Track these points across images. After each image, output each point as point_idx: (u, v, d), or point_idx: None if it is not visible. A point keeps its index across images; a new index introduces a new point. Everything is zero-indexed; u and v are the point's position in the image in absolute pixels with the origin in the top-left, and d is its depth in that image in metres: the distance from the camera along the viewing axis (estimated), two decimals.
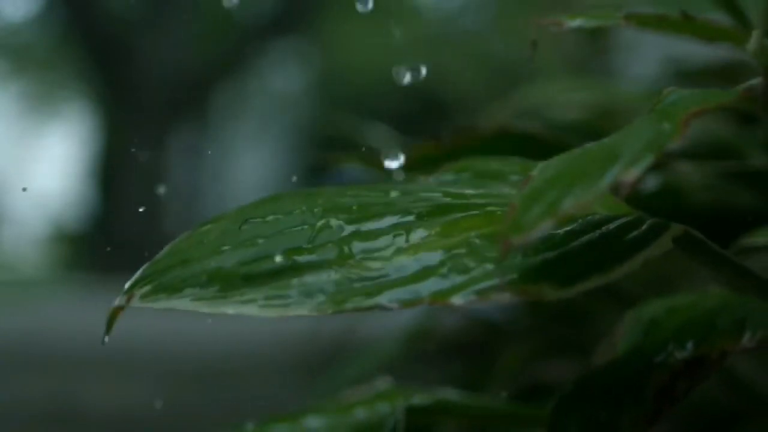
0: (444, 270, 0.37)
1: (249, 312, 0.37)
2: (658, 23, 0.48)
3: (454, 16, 7.85)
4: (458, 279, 0.36)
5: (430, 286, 0.36)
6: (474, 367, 0.88)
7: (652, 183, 0.61)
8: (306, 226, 0.40)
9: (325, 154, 0.72)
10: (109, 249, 6.74)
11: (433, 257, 0.38)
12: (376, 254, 0.38)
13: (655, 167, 0.54)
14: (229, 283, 0.38)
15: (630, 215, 0.41)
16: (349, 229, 0.40)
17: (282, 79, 8.52)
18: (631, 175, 0.34)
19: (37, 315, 3.44)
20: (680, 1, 0.49)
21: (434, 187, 0.46)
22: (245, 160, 8.70)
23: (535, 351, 0.81)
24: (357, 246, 0.39)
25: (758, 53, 0.45)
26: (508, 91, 0.84)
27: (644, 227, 0.40)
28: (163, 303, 0.38)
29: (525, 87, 0.83)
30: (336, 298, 0.36)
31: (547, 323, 0.82)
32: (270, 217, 0.41)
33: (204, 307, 0.37)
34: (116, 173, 7.05)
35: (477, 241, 0.38)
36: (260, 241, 0.39)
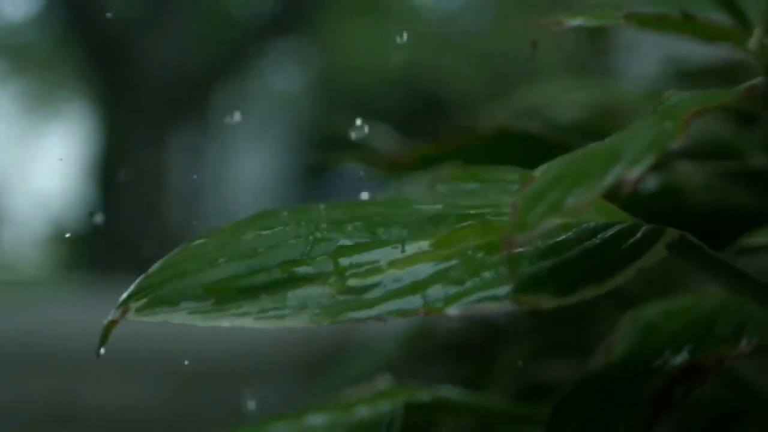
0: (439, 280, 0.37)
1: (245, 324, 0.37)
2: (658, 23, 0.48)
3: (454, 16, 7.85)
4: (453, 289, 0.37)
5: (425, 296, 0.37)
6: (474, 367, 0.88)
7: (652, 183, 0.61)
8: (301, 240, 0.40)
9: (325, 154, 0.72)
10: (107, 249, 6.75)
11: (429, 268, 0.38)
12: (371, 266, 0.38)
13: (656, 167, 0.54)
14: (225, 295, 0.38)
15: (626, 222, 0.41)
16: (345, 242, 0.40)
17: (282, 79, 8.52)
18: (634, 173, 0.34)
19: (37, 315, 3.44)
20: (680, 1, 0.49)
21: (429, 198, 0.46)
22: (245, 160, 8.70)
23: (535, 351, 0.81)
24: (352, 258, 0.39)
25: (759, 52, 0.45)
26: (508, 91, 0.84)
27: (640, 234, 0.40)
28: (160, 316, 0.38)
29: (525, 87, 0.83)
30: (331, 310, 0.36)
31: (547, 324, 0.82)
32: (265, 231, 0.41)
33: (200, 321, 0.37)
34: (116, 173, 7.05)
35: (472, 251, 0.39)
36: (255, 253, 0.40)
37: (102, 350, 0.38)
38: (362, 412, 0.51)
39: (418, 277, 0.37)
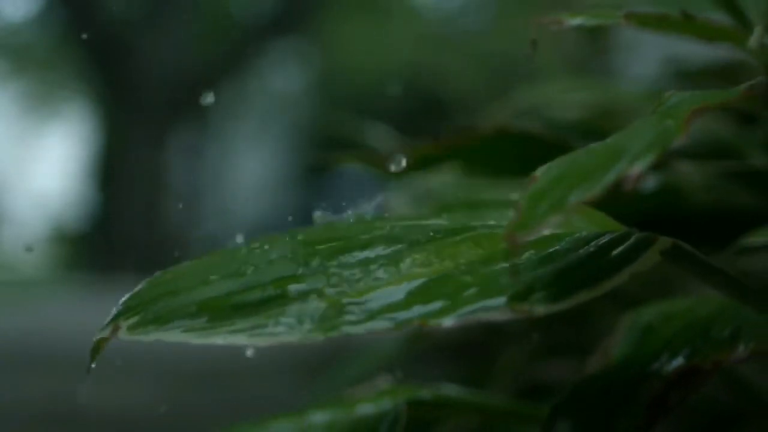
0: (433, 293, 0.37)
1: (238, 342, 0.36)
2: (658, 23, 0.48)
3: (454, 16, 7.85)
4: (448, 301, 0.37)
5: (419, 309, 0.37)
6: (474, 367, 0.88)
7: (652, 183, 0.61)
8: (294, 257, 0.40)
9: (325, 154, 0.72)
10: (107, 250, 6.75)
11: (423, 282, 0.38)
12: (365, 282, 0.38)
13: (656, 167, 0.54)
14: (218, 313, 0.38)
15: (618, 231, 0.41)
16: (338, 259, 0.40)
17: (282, 79, 8.52)
18: (636, 170, 0.34)
19: (37, 315, 3.44)
20: (680, 1, 0.49)
21: (422, 216, 0.47)
22: (245, 160, 8.70)
23: (535, 351, 0.81)
24: (346, 275, 0.39)
25: (759, 52, 0.45)
26: (508, 91, 0.84)
27: (632, 241, 0.40)
28: (152, 334, 0.37)
29: (525, 87, 0.83)
30: (325, 325, 0.36)
31: (547, 324, 0.82)
32: (258, 249, 0.41)
33: (194, 338, 0.37)
34: (116, 173, 7.05)
35: (466, 264, 0.39)
36: (249, 271, 0.40)
37: (93, 365, 0.38)
38: (364, 409, 0.52)
39: (412, 290, 0.38)
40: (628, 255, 0.39)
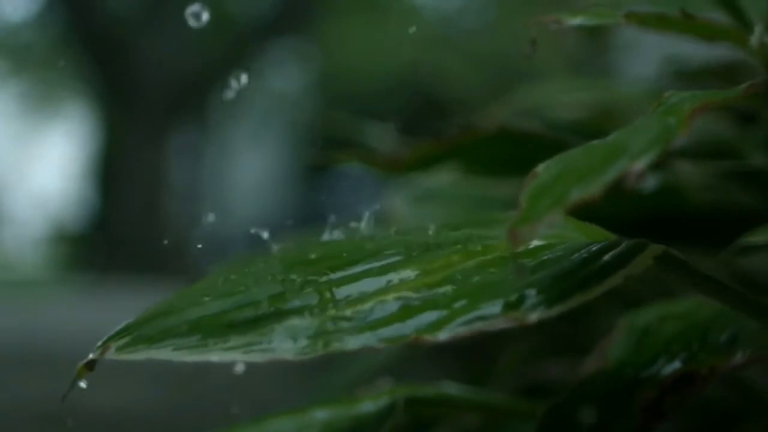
0: (428, 306, 0.37)
1: (232, 358, 0.36)
2: (658, 22, 0.48)
3: (454, 16, 7.85)
4: (443, 313, 0.37)
5: (414, 323, 0.37)
6: (474, 366, 0.88)
7: (652, 183, 0.61)
8: (286, 276, 0.40)
9: (325, 154, 0.72)
10: (109, 249, 6.75)
11: (416, 295, 0.38)
12: (358, 297, 0.38)
13: (656, 167, 0.54)
14: (211, 331, 0.37)
15: (610, 239, 0.41)
16: (331, 275, 0.40)
17: (282, 79, 8.52)
18: (638, 166, 0.34)
19: (37, 315, 3.44)
20: (680, 1, 0.49)
21: (414, 231, 0.47)
22: (245, 160, 8.70)
23: (536, 350, 0.81)
24: (339, 291, 0.39)
25: (760, 51, 0.45)
26: (508, 91, 0.84)
27: (623, 248, 0.39)
28: (142, 353, 0.37)
29: (525, 87, 0.83)
30: (319, 341, 0.36)
31: (548, 322, 0.82)
32: (249, 269, 0.41)
33: (186, 356, 0.37)
34: (116, 173, 7.05)
35: (459, 276, 0.39)
36: (241, 290, 0.40)
37: (83, 384, 0.38)
38: (363, 407, 0.52)
39: (406, 303, 0.37)
40: (619, 260, 0.39)
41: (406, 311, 0.37)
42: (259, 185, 8.61)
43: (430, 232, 0.44)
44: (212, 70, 7.11)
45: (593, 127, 0.71)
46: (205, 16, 0.57)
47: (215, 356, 0.36)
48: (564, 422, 0.43)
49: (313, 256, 0.42)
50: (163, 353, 0.37)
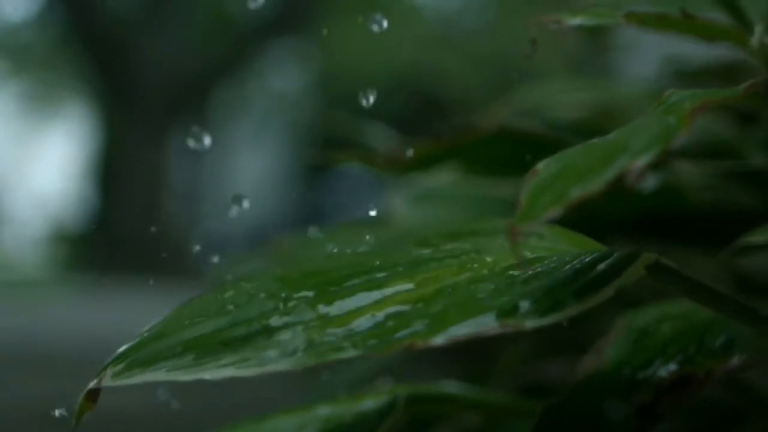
0: (421, 315, 0.37)
1: (226, 374, 0.36)
2: (659, 22, 0.48)
3: (454, 16, 7.85)
4: (434, 321, 0.37)
5: (408, 331, 0.37)
6: (474, 366, 0.88)
7: (652, 182, 0.61)
8: (277, 293, 0.40)
9: (325, 154, 0.72)
10: (113, 250, 6.74)
11: (409, 307, 0.38)
12: (351, 310, 0.38)
13: (656, 166, 0.54)
14: (205, 350, 0.38)
15: (601, 251, 0.41)
16: (323, 290, 0.40)
17: (282, 79, 8.52)
18: (639, 164, 0.34)
19: (37, 315, 3.44)
20: (680, 1, 0.49)
21: (407, 244, 0.47)
22: (245, 160, 8.70)
23: (536, 350, 0.81)
24: (332, 306, 0.39)
25: (760, 50, 0.45)
26: (508, 91, 0.84)
27: (615, 258, 0.39)
28: (137, 377, 0.38)
29: (525, 87, 0.83)
30: (313, 352, 0.36)
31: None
32: (240, 288, 0.42)
33: (180, 376, 0.37)
34: (116, 173, 7.05)
35: (452, 287, 0.39)
36: (233, 309, 0.40)
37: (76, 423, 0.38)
38: (363, 405, 0.52)
39: (400, 314, 0.38)
40: (612, 270, 0.39)
41: (401, 321, 0.37)
42: (259, 185, 8.61)
43: (424, 247, 0.44)
44: (212, 70, 7.11)
45: (593, 127, 0.71)
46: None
47: (209, 374, 0.37)
48: (560, 422, 0.43)
49: (306, 271, 0.42)
50: (158, 375, 0.37)
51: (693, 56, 0.75)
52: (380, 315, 0.38)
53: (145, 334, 0.40)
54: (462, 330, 0.36)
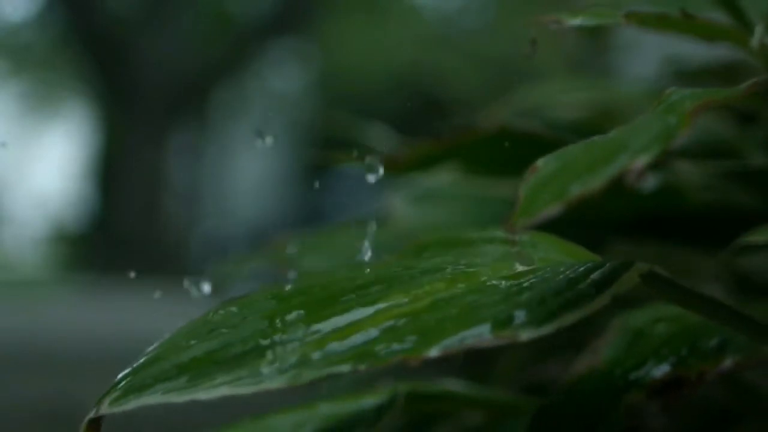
0: (416, 329, 0.37)
1: (221, 393, 0.36)
2: (659, 22, 0.48)
3: (454, 16, 7.85)
4: (429, 334, 0.37)
5: (402, 346, 0.36)
6: (474, 366, 0.88)
7: (652, 182, 0.61)
8: (270, 314, 0.40)
9: (325, 154, 0.72)
10: (110, 249, 6.75)
11: (403, 321, 0.38)
12: (346, 326, 0.38)
13: (656, 166, 0.54)
14: (199, 371, 0.38)
15: (595, 261, 0.41)
16: (317, 306, 0.40)
17: (282, 79, 8.53)
18: (639, 163, 0.34)
19: (37, 315, 3.44)
20: (680, 1, 0.49)
21: (402, 254, 0.47)
22: (245, 159, 8.70)
23: (536, 349, 0.81)
24: (327, 322, 0.39)
25: (760, 50, 0.45)
26: (508, 91, 0.84)
27: (608, 269, 0.39)
28: (132, 402, 0.38)
29: (525, 87, 0.83)
30: (307, 369, 0.36)
31: None
32: (232, 311, 0.42)
33: (175, 397, 0.37)
34: (116, 173, 7.05)
35: (445, 300, 0.39)
36: (226, 331, 0.40)
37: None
38: (364, 403, 0.52)
39: (395, 328, 0.37)
40: (606, 280, 0.39)
41: (395, 335, 0.37)
42: (259, 185, 8.62)
43: (418, 258, 0.44)
44: (212, 70, 7.11)
45: (593, 127, 0.70)
46: None
47: (203, 394, 0.37)
48: (554, 422, 0.43)
49: (300, 288, 0.42)
50: (154, 398, 0.37)
51: (693, 56, 0.75)
52: (375, 330, 0.38)
53: (142, 360, 0.40)
54: (456, 342, 0.36)
